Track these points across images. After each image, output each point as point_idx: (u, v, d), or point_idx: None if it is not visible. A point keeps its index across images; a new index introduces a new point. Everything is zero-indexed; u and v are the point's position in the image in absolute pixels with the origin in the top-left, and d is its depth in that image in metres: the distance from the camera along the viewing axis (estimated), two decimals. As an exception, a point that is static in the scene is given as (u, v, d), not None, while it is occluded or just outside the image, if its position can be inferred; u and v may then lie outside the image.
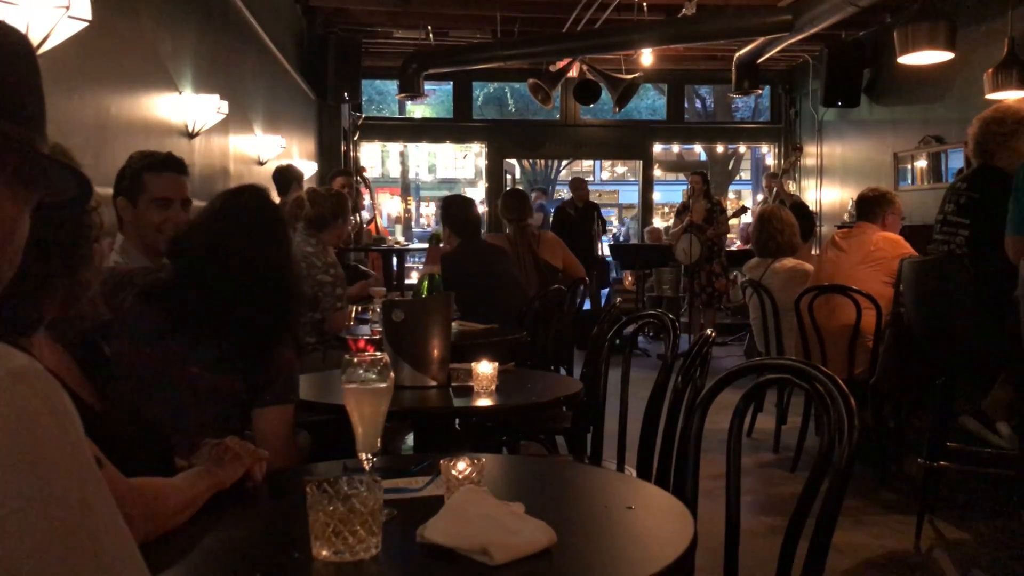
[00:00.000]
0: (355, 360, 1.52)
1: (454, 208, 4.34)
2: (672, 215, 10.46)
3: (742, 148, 17.98)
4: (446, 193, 15.50)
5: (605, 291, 9.54)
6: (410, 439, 3.12)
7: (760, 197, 10.56)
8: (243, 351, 1.92)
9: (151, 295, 1.93)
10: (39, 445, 0.57)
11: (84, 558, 0.56)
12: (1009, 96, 5.59)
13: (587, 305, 6.74)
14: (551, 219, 9.63)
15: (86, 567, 0.56)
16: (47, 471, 0.56)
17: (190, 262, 1.98)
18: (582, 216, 8.97)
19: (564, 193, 23.37)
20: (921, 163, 8.02)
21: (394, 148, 19.43)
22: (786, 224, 4.94)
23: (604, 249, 9.78)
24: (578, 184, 9.38)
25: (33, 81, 0.77)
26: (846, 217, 8.53)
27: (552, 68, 9.60)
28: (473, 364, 2.33)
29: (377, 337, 3.12)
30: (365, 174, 9.48)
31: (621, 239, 18.51)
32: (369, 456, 1.49)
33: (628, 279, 9.61)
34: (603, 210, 10.25)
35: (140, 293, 1.93)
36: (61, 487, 0.57)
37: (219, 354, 1.91)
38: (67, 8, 2.57)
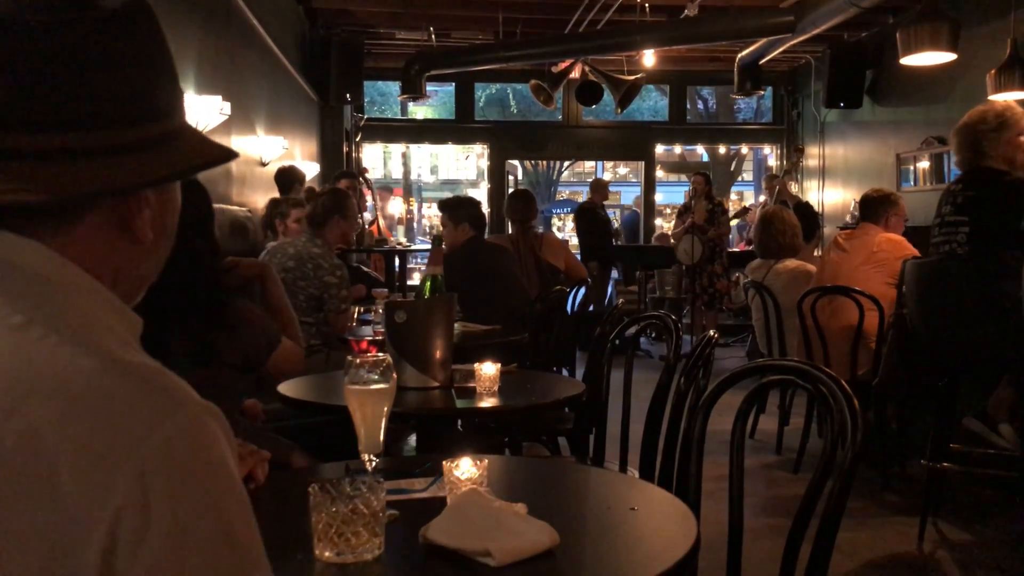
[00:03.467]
0: (358, 361, 1.52)
1: (469, 208, 4.35)
2: (673, 216, 10.47)
3: (744, 149, 17.98)
4: (449, 194, 15.51)
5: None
6: (412, 440, 3.12)
7: (762, 199, 10.55)
8: (200, 335, 1.95)
9: None
10: (225, 473, 0.68)
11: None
12: (1012, 97, 5.58)
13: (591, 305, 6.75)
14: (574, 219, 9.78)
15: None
16: (226, 499, 0.68)
17: None
18: (606, 216, 9.11)
19: (566, 194, 23.44)
20: (924, 164, 8.01)
21: (396, 149, 19.43)
22: (788, 225, 4.94)
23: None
24: (600, 186, 9.42)
25: (164, 62, 0.80)
26: (848, 219, 8.52)
27: (554, 69, 9.60)
28: (476, 365, 2.33)
29: (379, 338, 3.12)
30: (367, 175, 9.48)
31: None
32: (372, 457, 1.49)
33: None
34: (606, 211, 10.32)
35: None
36: (232, 514, 0.68)
37: (183, 348, 1.93)
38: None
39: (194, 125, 3.30)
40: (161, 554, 0.64)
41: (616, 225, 9.63)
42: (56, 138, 0.71)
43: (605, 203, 9.55)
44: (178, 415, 0.67)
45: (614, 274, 9.45)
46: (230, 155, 0.84)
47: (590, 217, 8.99)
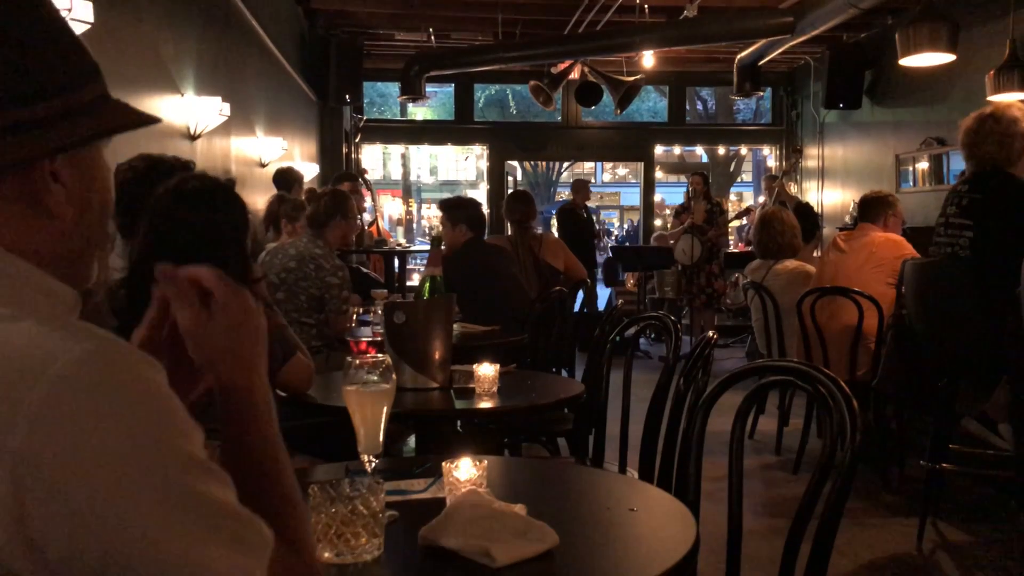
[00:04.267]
0: (357, 362, 1.52)
1: (467, 209, 4.34)
2: (671, 216, 10.46)
3: (744, 150, 17.99)
4: (448, 195, 15.52)
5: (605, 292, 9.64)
6: (412, 441, 3.12)
7: (761, 199, 10.56)
8: None
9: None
10: (161, 399, 0.69)
11: (187, 509, 0.67)
12: (1011, 98, 5.58)
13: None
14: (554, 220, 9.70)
15: (188, 516, 0.67)
16: (168, 423, 0.69)
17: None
18: (588, 217, 9.05)
19: (565, 195, 23.45)
20: (923, 165, 8.02)
21: (395, 150, 19.45)
22: (787, 226, 4.94)
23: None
24: (582, 186, 9.40)
25: (51, 39, 0.78)
26: (847, 219, 8.53)
27: (554, 70, 9.60)
28: (475, 366, 2.33)
29: (379, 339, 3.12)
30: (366, 176, 9.49)
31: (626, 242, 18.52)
32: (371, 458, 1.49)
33: (630, 281, 9.63)
34: (604, 212, 10.32)
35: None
36: (179, 437, 0.69)
37: None
38: (69, 11, 2.58)
39: (193, 126, 3.31)
40: (84, 482, 0.63)
41: (601, 226, 9.57)
42: None
43: (603, 205, 9.54)
44: (83, 345, 0.66)
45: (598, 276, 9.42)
46: (144, 120, 0.85)
47: (571, 218, 8.82)
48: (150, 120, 0.86)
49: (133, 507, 0.64)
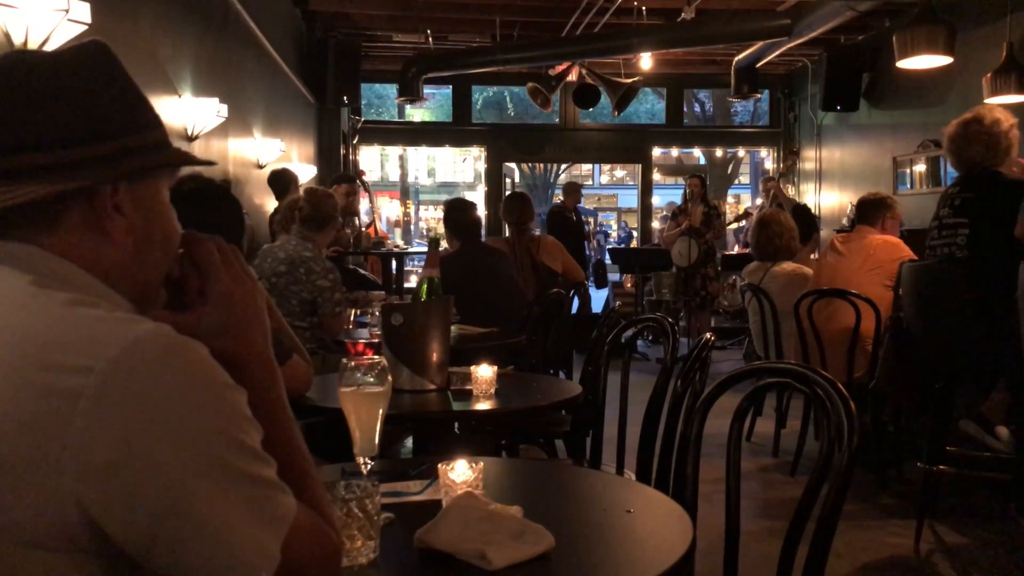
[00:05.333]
0: (353, 364, 1.51)
1: (453, 212, 4.33)
2: (668, 217, 10.47)
3: (741, 152, 18.02)
4: (446, 197, 15.52)
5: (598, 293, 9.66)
6: (409, 443, 3.11)
7: (759, 201, 10.56)
8: None
9: None
10: (215, 371, 0.81)
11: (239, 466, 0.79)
12: (1007, 100, 5.59)
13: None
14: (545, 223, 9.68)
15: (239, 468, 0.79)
16: (224, 391, 0.80)
17: None
18: (578, 220, 9.04)
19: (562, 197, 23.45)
20: (920, 167, 8.02)
21: (393, 152, 19.46)
22: (785, 228, 4.94)
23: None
24: (572, 188, 9.40)
25: (116, 90, 0.91)
26: (845, 221, 8.54)
27: (551, 72, 9.61)
28: (472, 368, 2.33)
29: (376, 341, 3.12)
30: (364, 177, 9.49)
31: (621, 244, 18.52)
32: (367, 460, 1.49)
33: (628, 283, 9.64)
34: (602, 214, 10.33)
35: None
36: (234, 399, 0.81)
37: None
38: (66, 11, 2.58)
39: (191, 127, 3.36)
40: (146, 429, 0.73)
41: (599, 229, 9.57)
42: (26, 158, 0.84)
43: (600, 207, 9.55)
44: (153, 325, 0.78)
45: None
46: (198, 163, 0.98)
47: (560, 221, 8.75)
48: (205, 164, 1.01)
49: (186, 468, 0.74)
